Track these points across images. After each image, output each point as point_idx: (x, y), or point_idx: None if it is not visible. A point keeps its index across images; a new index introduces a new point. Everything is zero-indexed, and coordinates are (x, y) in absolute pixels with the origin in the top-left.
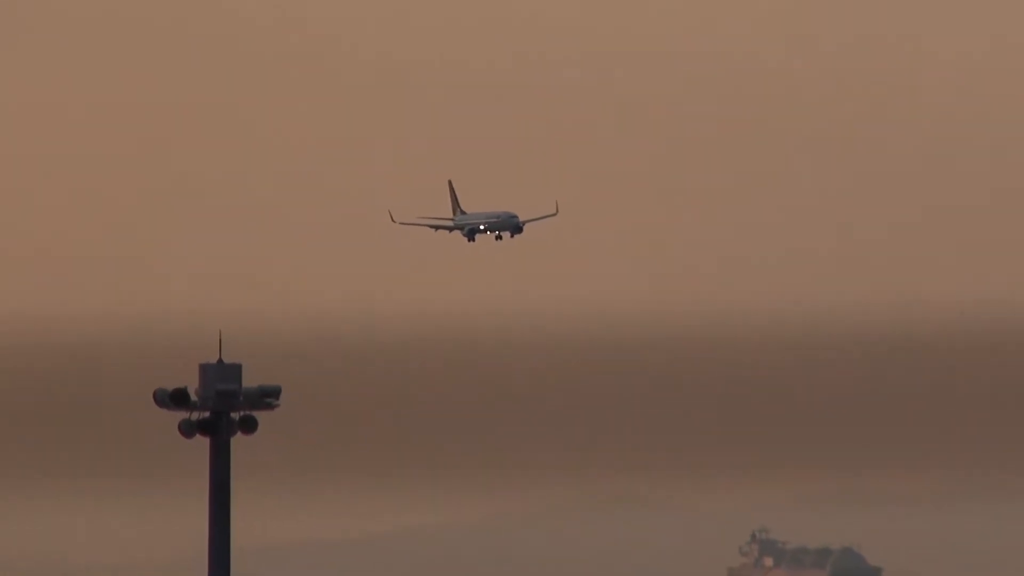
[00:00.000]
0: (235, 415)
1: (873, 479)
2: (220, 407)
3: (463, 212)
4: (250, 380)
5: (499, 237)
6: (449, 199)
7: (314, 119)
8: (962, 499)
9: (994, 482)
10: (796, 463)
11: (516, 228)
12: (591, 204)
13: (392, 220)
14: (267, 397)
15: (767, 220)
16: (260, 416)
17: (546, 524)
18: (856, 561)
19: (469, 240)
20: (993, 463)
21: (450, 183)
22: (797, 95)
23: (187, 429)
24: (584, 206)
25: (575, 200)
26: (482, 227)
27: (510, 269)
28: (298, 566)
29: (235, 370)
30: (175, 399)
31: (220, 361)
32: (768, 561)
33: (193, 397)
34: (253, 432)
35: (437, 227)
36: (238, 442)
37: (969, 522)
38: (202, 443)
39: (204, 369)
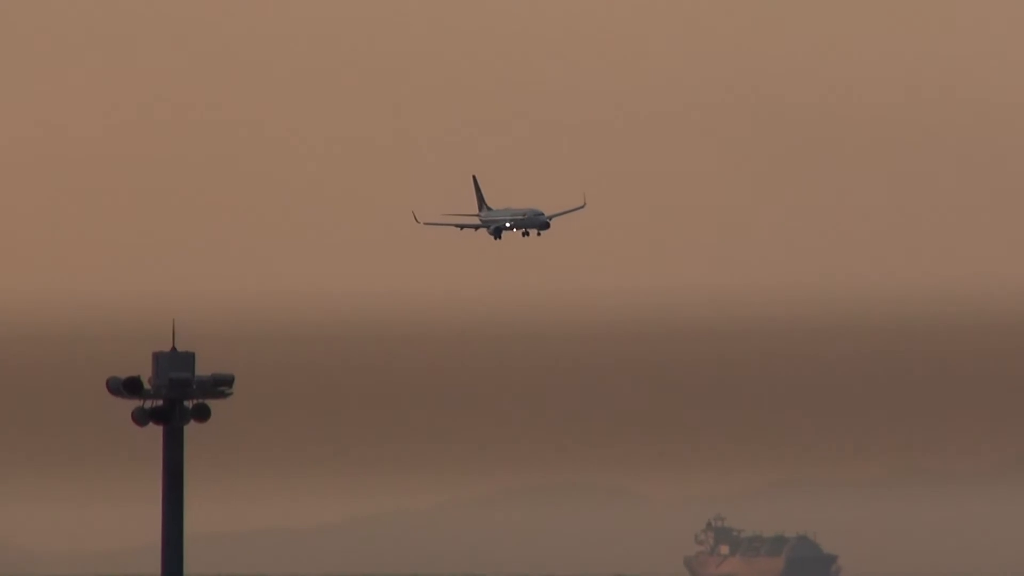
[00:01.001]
0: (188, 403)
1: (828, 467)
2: (173, 395)
3: (489, 208)
4: (203, 369)
5: (526, 234)
6: (474, 195)
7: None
8: (916, 486)
9: (946, 468)
10: (752, 452)
11: (543, 225)
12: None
13: (416, 221)
14: (220, 385)
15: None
16: (213, 404)
17: (503, 511)
18: (811, 549)
19: (496, 238)
20: (945, 449)
21: (474, 178)
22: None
23: (141, 417)
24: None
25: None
26: (508, 224)
27: (472, 259)
28: (251, 553)
29: (188, 359)
30: (129, 387)
31: (174, 350)
32: (724, 549)
33: (147, 385)
34: (206, 420)
35: (463, 226)
36: (191, 430)
37: (922, 508)
38: (156, 431)
39: (158, 357)
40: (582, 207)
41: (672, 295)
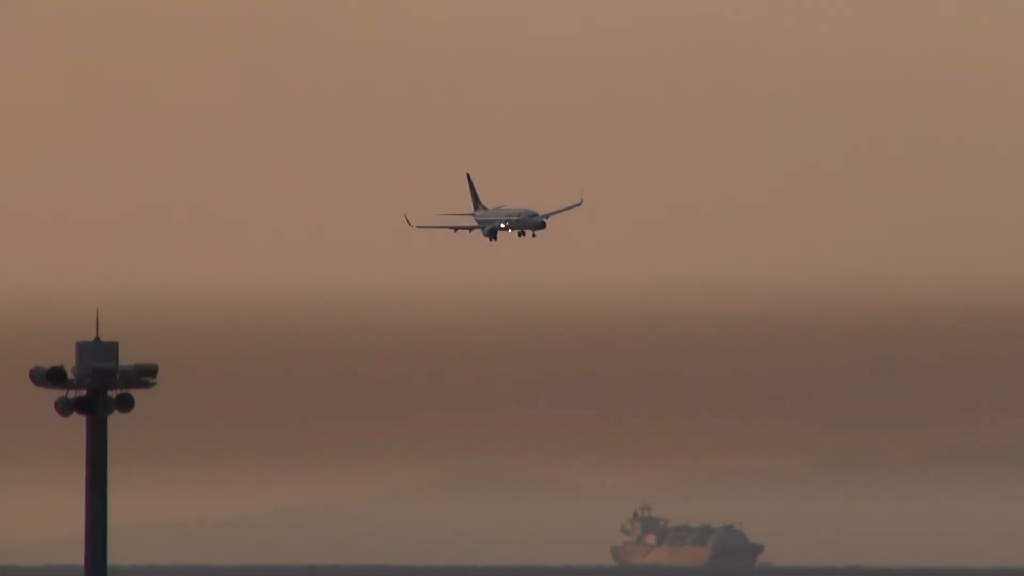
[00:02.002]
0: (112, 393)
1: (755, 458)
2: (97, 385)
3: (484, 207)
4: (127, 359)
5: (522, 234)
6: (469, 193)
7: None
8: (842, 476)
9: (872, 459)
10: (679, 442)
11: (538, 225)
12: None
13: (408, 224)
14: (144, 375)
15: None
16: (137, 394)
17: (429, 503)
18: (737, 539)
19: (491, 239)
20: (871, 440)
21: (468, 176)
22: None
23: (64, 407)
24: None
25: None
26: (503, 225)
27: (401, 253)
28: (175, 544)
29: (112, 349)
30: (52, 377)
31: (97, 340)
32: (650, 539)
33: (70, 375)
34: (130, 410)
35: (457, 228)
36: (115, 420)
37: (848, 498)
38: (79, 421)
39: (81, 348)
40: (579, 205)
41: (606, 288)
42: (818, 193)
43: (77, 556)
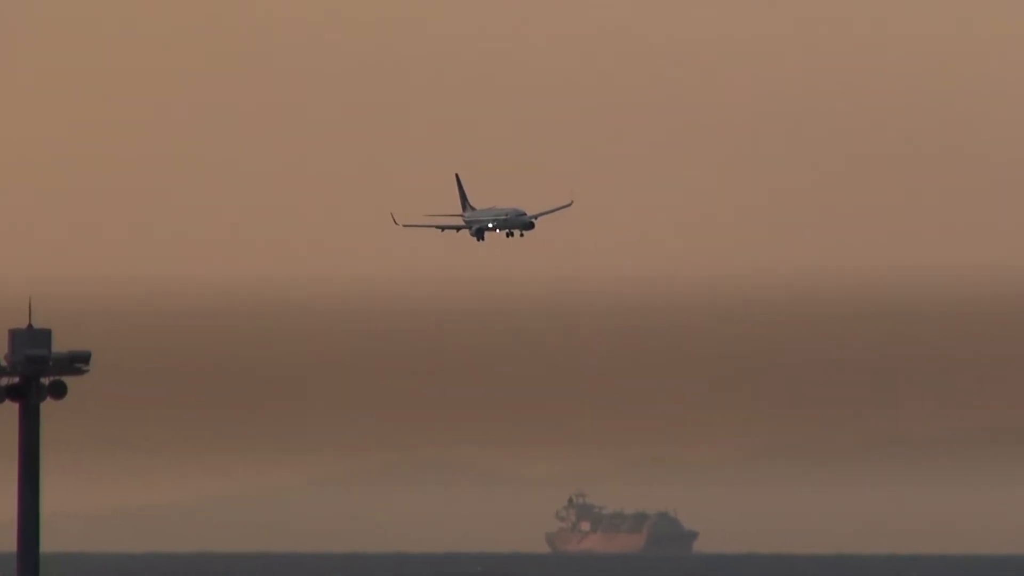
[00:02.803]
0: (45, 380)
1: (689, 445)
2: (30, 372)
3: (472, 207)
4: (60, 346)
5: (510, 234)
6: (457, 193)
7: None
8: (776, 464)
9: (805, 447)
10: (614, 430)
11: (526, 225)
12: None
13: (395, 223)
14: (77, 362)
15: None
16: (70, 381)
17: (362, 489)
18: (672, 525)
19: (478, 240)
20: (804, 428)
21: (457, 176)
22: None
23: None
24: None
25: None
26: (491, 225)
27: (331, 242)
28: (108, 531)
29: (45, 336)
30: None
31: (30, 327)
32: (585, 526)
33: (2, 362)
34: (63, 397)
35: (444, 227)
36: (48, 407)
37: (782, 486)
38: (11, 408)
39: (13, 335)
40: (569, 205)
41: (546, 280)
42: (756, 187)
43: (9, 543)
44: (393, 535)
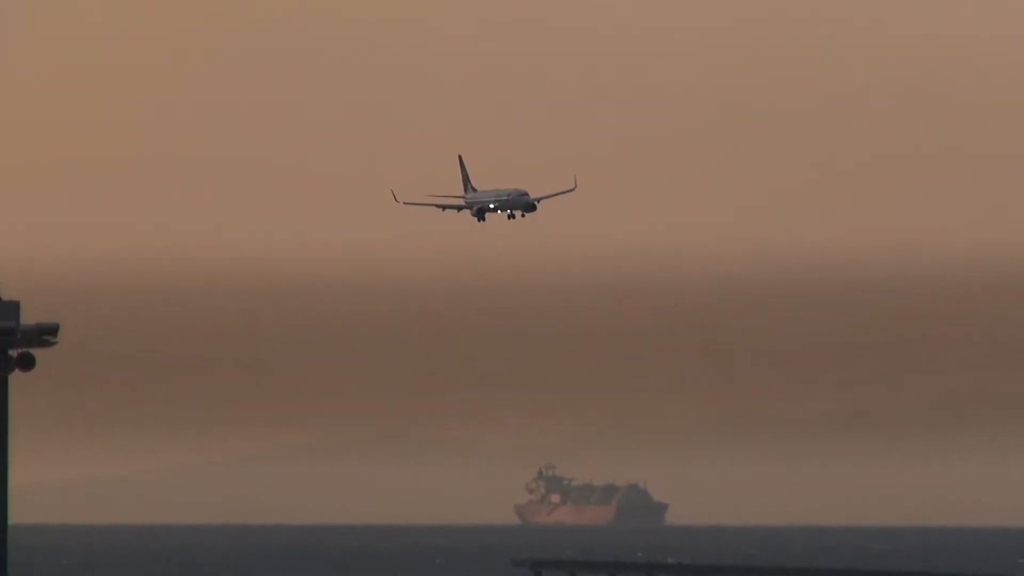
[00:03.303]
0: (13, 352)
1: (658, 417)
2: None
3: (474, 189)
4: (29, 317)
5: (512, 216)
6: (460, 175)
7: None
8: (745, 435)
9: (774, 418)
10: (583, 402)
11: (528, 206)
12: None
13: (396, 200)
14: (45, 335)
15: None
16: (38, 353)
17: (331, 460)
18: (642, 497)
19: (479, 220)
20: (773, 399)
21: (460, 158)
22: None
23: None
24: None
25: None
26: (492, 206)
27: (284, 220)
28: (76, 502)
29: (13, 307)
30: None
31: None
32: (555, 498)
33: None
34: (31, 369)
35: (445, 206)
36: (16, 379)
37: (751, 457)
38: None
39: None
40: (572, 190)
41: (514, 253)
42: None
43: None
44: (364, 507)
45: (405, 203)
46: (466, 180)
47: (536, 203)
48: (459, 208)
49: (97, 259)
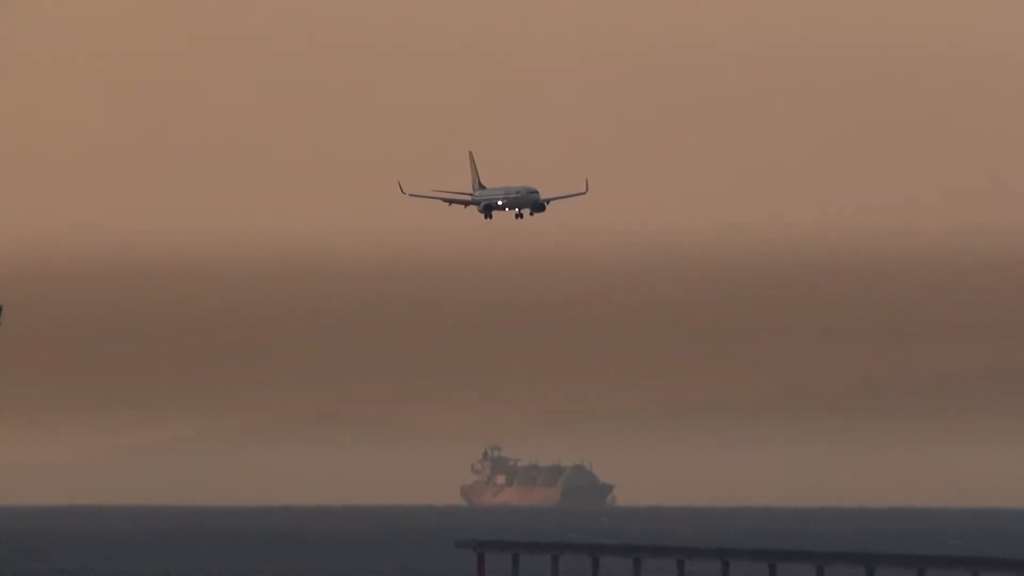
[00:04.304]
0: None
1: (604, 398)
2: None
3: (482, 186)
4: None
5: (520, 215)
6: (470, 172)
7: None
8: (690, 416)
9: (716, 399)
10: (528, 383)
11: (537, 205)
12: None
13: (402, 191)
14: None
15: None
16: None
17: (275, 443)
18: (587, 478)
19: (486, 217)
20: (715, 380)
21: (471, 155)
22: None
23: None
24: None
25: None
26: (500, 203)
27: (215, 200)
28: (12, 485)
29: None
30: None
31: None
32: (500, 479)
33: None
34: None
35: (451, 201)
36: None
37: (695, 438)
38: None
39: None
40: (583, 193)
41: (453, 231)
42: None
43: None
44: (306, 489)
45: (411, 195)
46: (476, 177)
47: (546, 203)
48: (466, 204)
49: (41, 238)
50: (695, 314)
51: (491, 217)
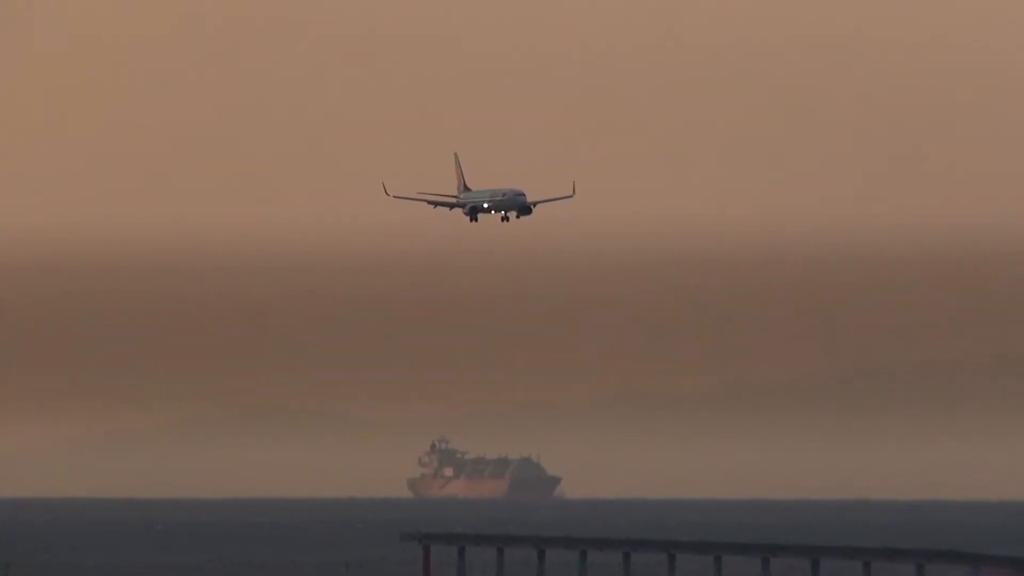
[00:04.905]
0: None
1: (551, 390)
2: None
3: (467, 188)
4: None
5: (506, 218)
6: (455, 174)
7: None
8: (637, 408)
9: (665, 390)
10: (476, 374)
11: (523, 208)
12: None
13: (386, 193)
14: None
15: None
16: None
17: (222, 435)
18: (535, 471)
19: (471, 220)
20: (663, 372)
21: (456, 156)
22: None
23: None
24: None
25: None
26: (486, 205)
27: (169, 191)
28: None
29: None
30: None
31: None
32: (448, 471)
33: None
34: None
35: (436, 203)
36: None
37: (643, 430)
38: None
39: None
40: (571, 196)
41: (400, 223)
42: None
43: None
44: (253, 481)
45: (395, 196)
46: (461, 179)
47: (532, 206)
48: (451, 206)
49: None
50: (643, 307)
51: (476, 220)
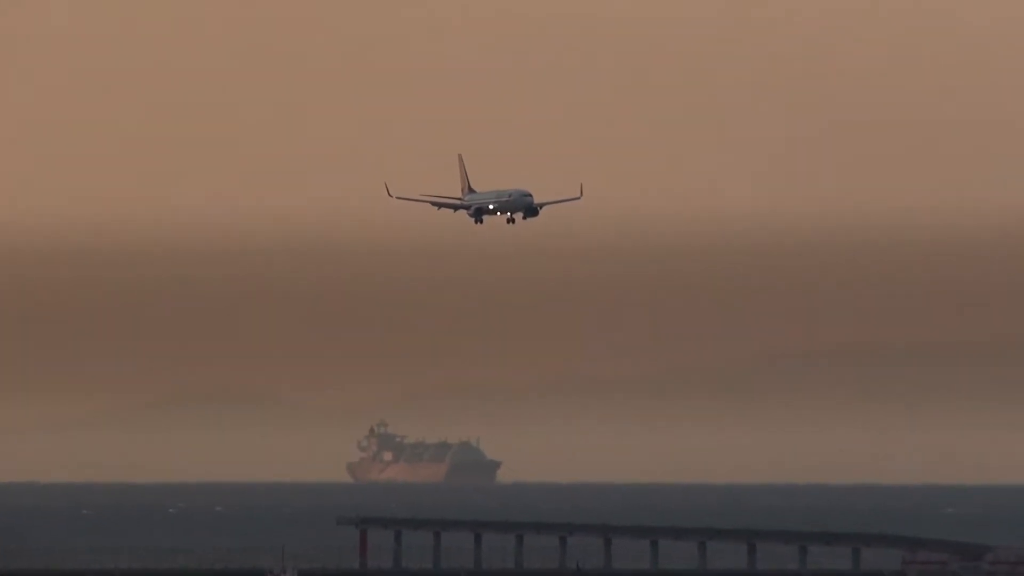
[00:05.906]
0: None
1: (490, 374)
2: None
3: (472, 190)
4: None
5: (511, 220)
6: (459, 174)
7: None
8: (575, 393)
9: (603, 375)
10: (414, 359)
11: (530, 209)
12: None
13: (389, 195)
14: None
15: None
16: None
17: (162, 420)
18: (474, 455)
19: (476, 221)
20: (601, 357)
21: (460, 157)
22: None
23: None
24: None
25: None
26: (491, 207)
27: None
28: None
29: None
30: None
31: None
32: (387, 455)
33: None
34: None
35: (440, 205)
36: None
37: (583, 415)
38: None
39: None
40: (578, 198)
41: (337, 207)
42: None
43: None
44: (195, 465)
45: (398, 197)
46: (465, 180)
47: (539, 207)
48: (455, 208)
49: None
50: (585, 293)
51: (482, 222)
